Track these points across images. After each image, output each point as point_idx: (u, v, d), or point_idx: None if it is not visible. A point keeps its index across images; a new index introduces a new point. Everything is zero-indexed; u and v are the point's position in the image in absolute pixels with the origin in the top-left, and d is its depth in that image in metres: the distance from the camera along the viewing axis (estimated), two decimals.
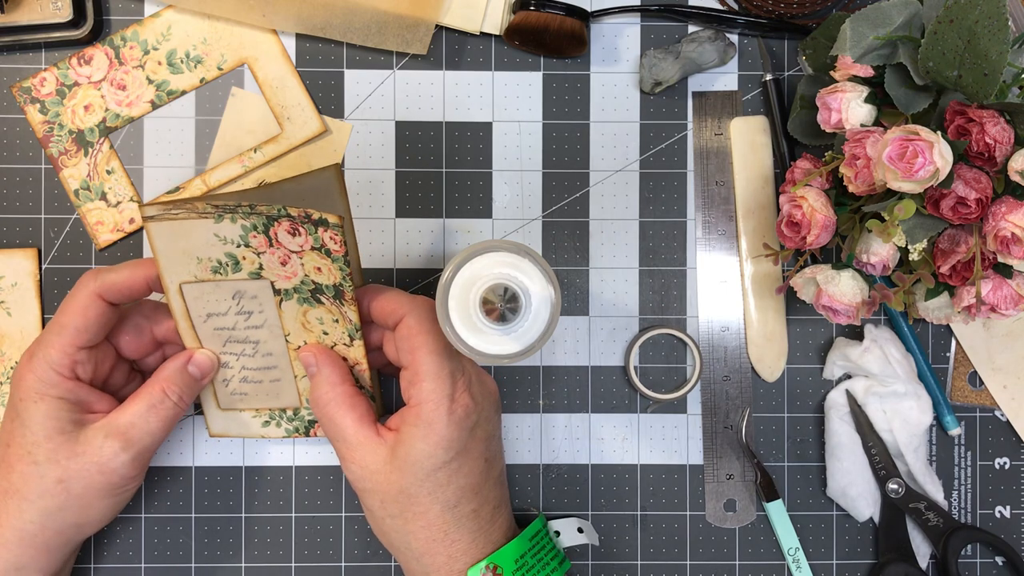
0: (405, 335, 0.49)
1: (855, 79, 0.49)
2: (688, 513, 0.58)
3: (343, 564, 0.58)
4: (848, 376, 0.58)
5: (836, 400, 0.57)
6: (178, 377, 0.51)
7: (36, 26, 0.56)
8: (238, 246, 0.50)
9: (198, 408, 0.57)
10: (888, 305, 0.50)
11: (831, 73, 0.51)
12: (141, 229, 0.57)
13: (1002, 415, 0.59)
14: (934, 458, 0.59)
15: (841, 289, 0.50)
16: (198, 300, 0.51)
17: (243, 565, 0.58)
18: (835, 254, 0.58)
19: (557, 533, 0.55)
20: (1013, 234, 0.45)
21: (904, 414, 0.56)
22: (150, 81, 0.57)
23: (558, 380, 0.58)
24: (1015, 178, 0.45)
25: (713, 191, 0.58)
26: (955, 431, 0.58)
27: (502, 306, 0.46)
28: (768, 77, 0.58)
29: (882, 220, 0.47)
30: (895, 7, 0.48)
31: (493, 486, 0.51)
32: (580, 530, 0.56)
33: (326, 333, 0.52)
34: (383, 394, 0.58)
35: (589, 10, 0.57)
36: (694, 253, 0.59)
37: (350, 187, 0.57)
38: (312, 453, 0.58)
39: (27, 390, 0.49)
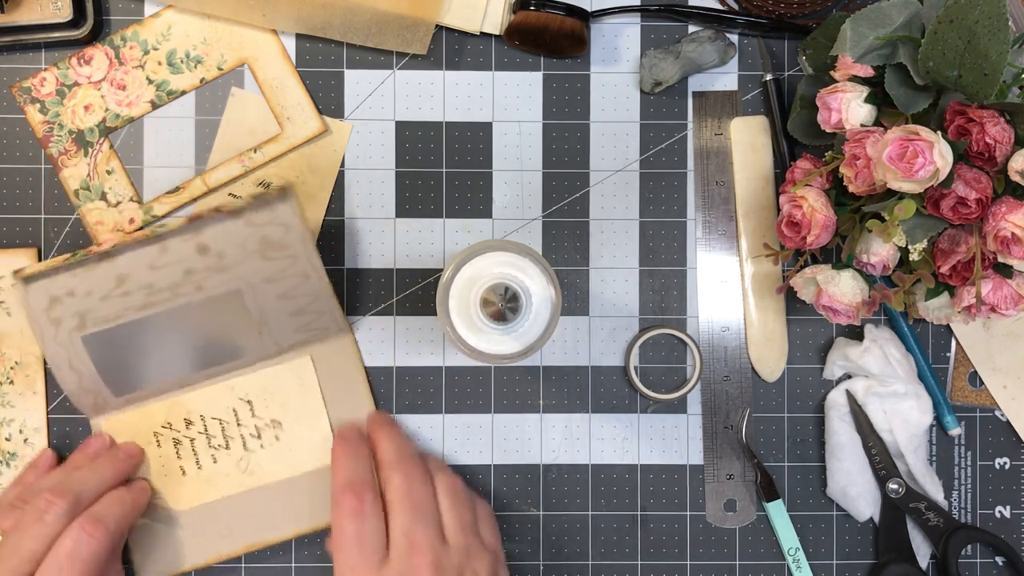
0: None
1: (855, 79, 0.49)
2: (688, 513, 0.58)
3: None
4: (848, 376, 0.58)
5: (836, 400, 0.57)
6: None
7: (36, 26, 0.56)
8: None
9: None
10: (888, 305, 0.50)
11: (831, 73, 0.51)
12: (140, 229, 0.57)
13: (1002, 415, 0.59)
14: (934, 458, 0.59)
15: (841, 289, 0.50)
16: None
17: (243, 565, 0.58)
18: (835, 254, 0.58)
19: None
20: (1013, 234, 0.45)
21: (904, 414, 0.56)
22: (150, 81, 0.57)
23: (558, 380, 0.58)
24: (1015, 178, 0.45)
25: (713, 191, 0.58)
26: (955, 431, 0.58)
27: (502, 306, 0.46)
28: (768, 77, 0.58)
29: (882, 220, 0.47)
30: (895, 7, 0.48)
31: None
32: None
33: None
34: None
35: (589, 10, 0.57)
36: (694, 253, 0.59)
37: (350, 187, 0.57)
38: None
39: None
